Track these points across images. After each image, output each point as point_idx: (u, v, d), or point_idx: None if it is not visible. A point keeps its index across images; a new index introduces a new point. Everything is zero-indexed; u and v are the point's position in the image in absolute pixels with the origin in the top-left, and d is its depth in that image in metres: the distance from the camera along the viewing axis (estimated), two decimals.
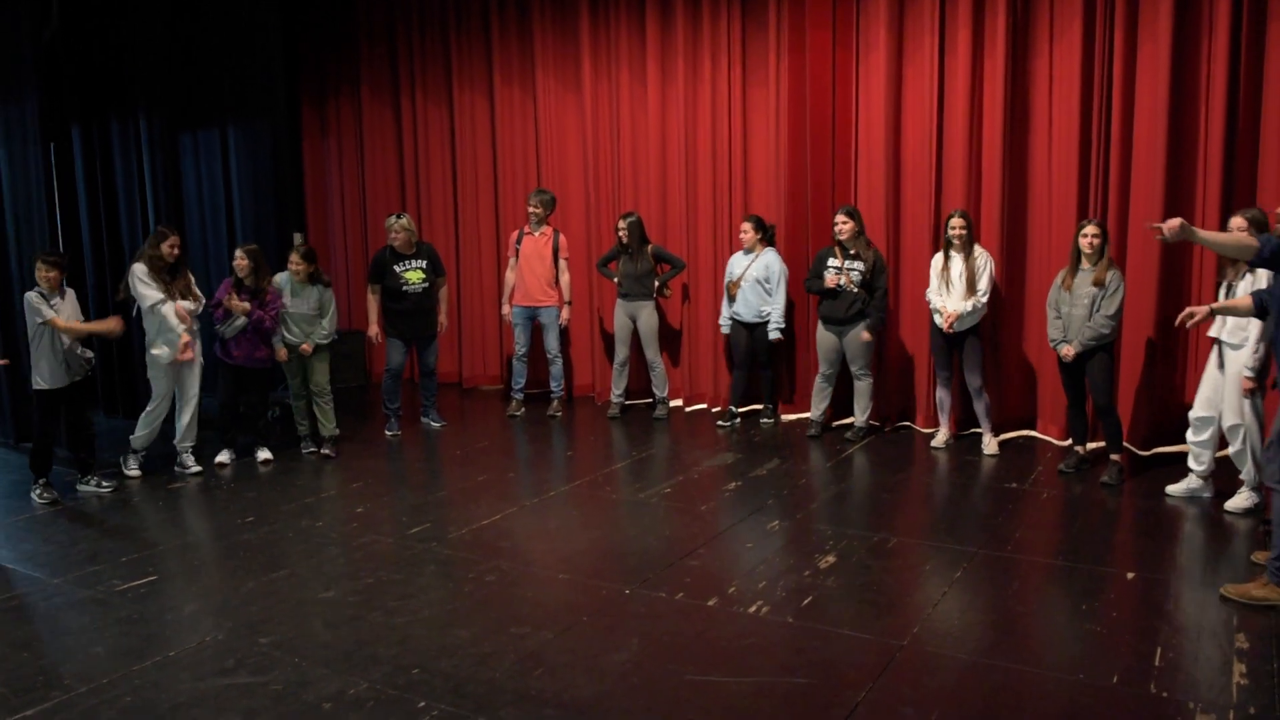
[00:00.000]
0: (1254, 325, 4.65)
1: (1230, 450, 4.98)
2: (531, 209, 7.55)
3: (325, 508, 5.47)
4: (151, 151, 7.85)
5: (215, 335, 6.30)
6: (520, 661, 3.48)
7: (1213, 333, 4.94)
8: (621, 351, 7.58)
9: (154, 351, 5.99)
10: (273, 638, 3.72)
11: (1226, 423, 4.90)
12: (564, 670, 3.41)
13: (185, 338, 5.94)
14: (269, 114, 8.48)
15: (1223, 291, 4.92)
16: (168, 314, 5.91)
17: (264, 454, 6.55)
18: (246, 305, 6.18)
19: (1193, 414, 5.12)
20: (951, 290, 6.15)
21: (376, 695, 3.25)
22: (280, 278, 6.51)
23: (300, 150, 9.66)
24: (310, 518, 5.27)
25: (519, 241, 7.64)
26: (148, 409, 6.07)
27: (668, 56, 7.75)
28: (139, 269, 5.94)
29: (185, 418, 6.18)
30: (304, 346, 6.46)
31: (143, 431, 6.09)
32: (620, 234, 7.36)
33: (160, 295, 5.91)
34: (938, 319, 6.18)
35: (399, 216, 7.14)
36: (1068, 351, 5.52)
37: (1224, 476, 5.26)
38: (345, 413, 7.19)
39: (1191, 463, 5.20)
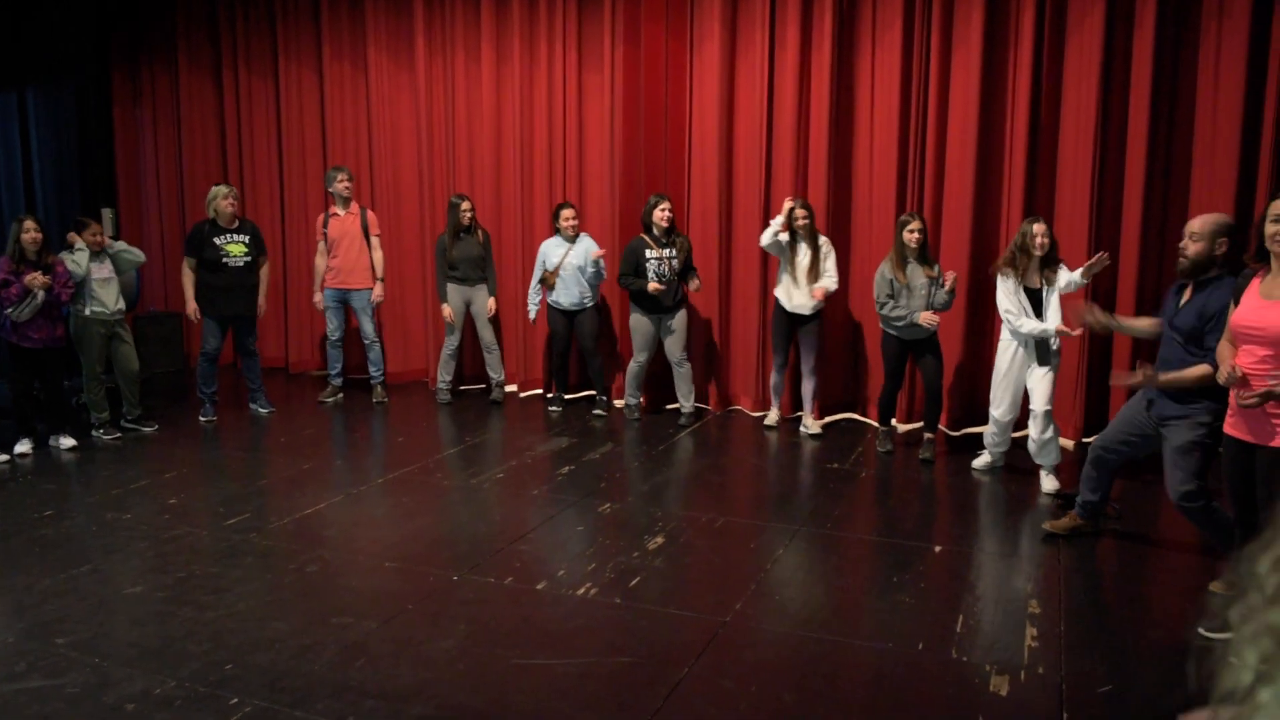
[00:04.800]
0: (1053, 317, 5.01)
1: (1044, 436, 5.20)
2: (344, 185, 7.33)
3: (134, 499, 5.15)
4: None
5: (2, 320, 5.83)
6: (341, 653, 3.39)
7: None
8: (455, 336, 7.46)
9: None
10: (71, 638, 3.49)
11: (1039, 409, 5.17)
12: (387, 660, 3.34)
13: None
14: (74, 76, 7.89)
15: (1045, 294, 5.19)
16: None
17: (68, 441, 6.15)
18: (47, 280, 5.80)
19: (992, 393, 5.44)
20: (797, 278, 6.33)
21: (185, 694, 3.09)
22: (78, 256, 6.18)
23: (110, 117, 9.03)
24: (117, 510, 4.96)
25: (325, 225, 7.41)
26: None
27: (503, 37, 7.65)
28: None
29: None
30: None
31: None
32: (464, 216, 7.24)
33: None
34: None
35: (228, 186, 6.87)
36: (931, 318, 5.65)
37: (1016, 454, 5.65)
38: (161, 399, 6.80)
39: (987, 438, 5.56)
